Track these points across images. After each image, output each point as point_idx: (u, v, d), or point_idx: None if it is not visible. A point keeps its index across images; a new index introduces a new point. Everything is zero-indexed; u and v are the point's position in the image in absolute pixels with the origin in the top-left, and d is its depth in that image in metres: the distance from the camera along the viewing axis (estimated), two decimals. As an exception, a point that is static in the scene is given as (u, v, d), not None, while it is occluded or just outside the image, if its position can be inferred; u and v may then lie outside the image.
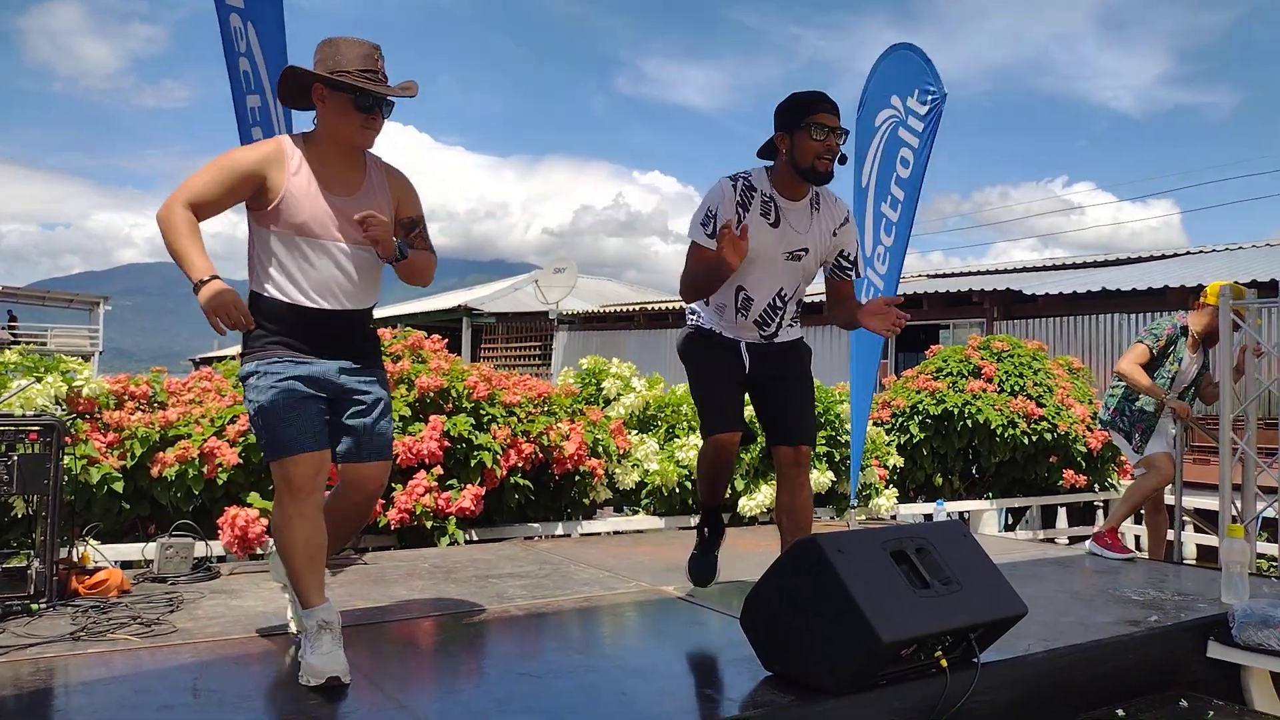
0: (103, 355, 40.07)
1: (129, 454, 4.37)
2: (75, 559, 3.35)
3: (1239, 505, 4.55)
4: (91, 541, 4.13)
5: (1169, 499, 5.43)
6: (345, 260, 2.57)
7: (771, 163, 3.10)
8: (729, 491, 5.69)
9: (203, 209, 2.46)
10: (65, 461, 4.09)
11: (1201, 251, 16.54)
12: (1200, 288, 5.29)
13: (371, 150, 2.66)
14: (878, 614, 2.24)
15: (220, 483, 4.45)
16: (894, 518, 6.23)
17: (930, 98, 5.13)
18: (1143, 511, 5.47)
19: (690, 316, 3.32)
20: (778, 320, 3.20)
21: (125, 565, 4.20)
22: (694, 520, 5.66)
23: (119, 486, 4.31)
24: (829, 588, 2.28)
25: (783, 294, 3.16)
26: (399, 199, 2.70)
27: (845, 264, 3.23)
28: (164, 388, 4.79)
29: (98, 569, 3.30)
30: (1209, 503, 6.89)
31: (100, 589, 3.18)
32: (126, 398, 4.63)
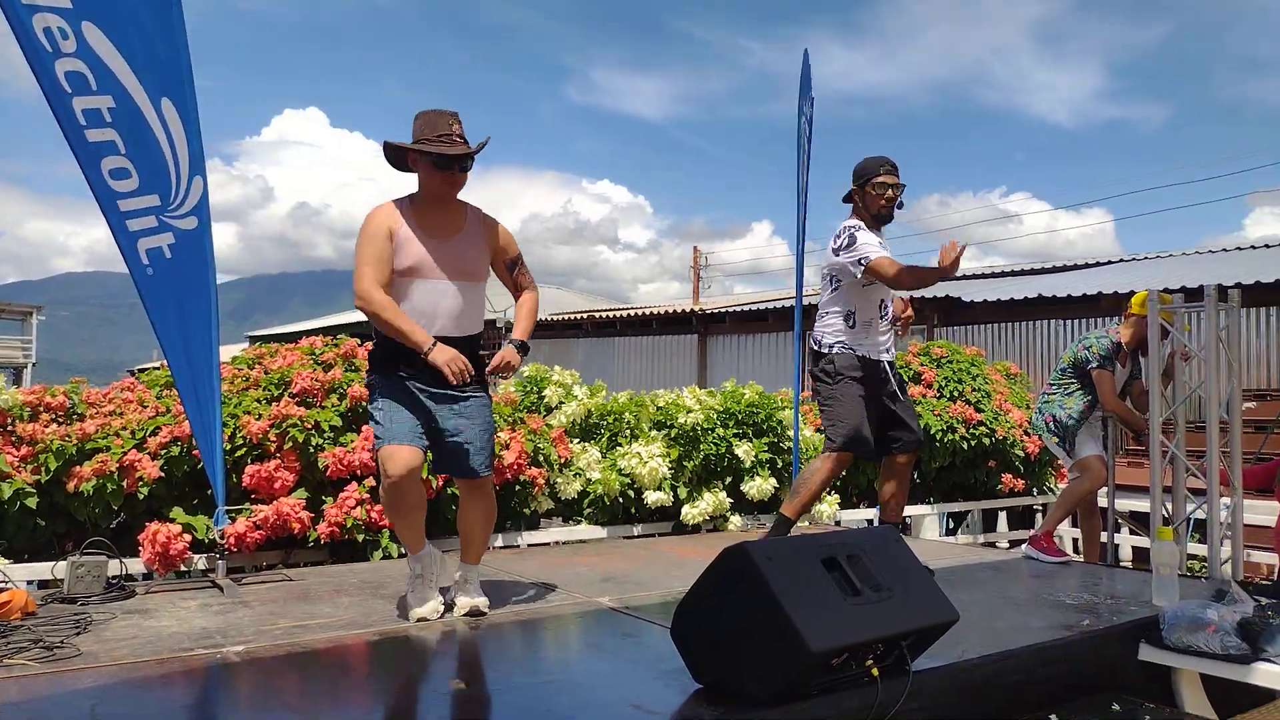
0: (36, 367, 38.77)
1: (44, 468, 4.19)
2: (-23, 580, 3.17)
3: (1169, 507, 4.62)
4: (3, 560, 3.94)
5: (1103, 502, 5.51)
6: (446, 294, 3.15)
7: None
8: (671, 499, 5.65)
9: (387, 284, 3.10)
10: (-28, 476, 3.91)
11: (1135, 259, 16.98)
12: (1133, 294, 5.40)
13: (469, 202, 3.29)
14: (807, 622, 2.20)
15: (141, 497, 4.28)
16: (838, 523, 6.24)
17: (810, 101, 5.97)
18: (1078, 515, 5.55)
19: (832, 338, 4.14)
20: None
21: (43, 585, 4.01)
22: (636, 529, 5.62)
23: (32, 502, 4.13)
24: (758, 596, 2.24)
25: (892, 297, 4.26)
26: (497, 243, 3.32)
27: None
28: (83, 399, 4.60)
29: (1, 589, 3.12)
30: (1143, 505, 7.03)
31: (2, 611, 3.00)
32: (42, 409, 4.43)
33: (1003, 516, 7.47)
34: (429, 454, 3.23)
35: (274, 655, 2.75)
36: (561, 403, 5.87)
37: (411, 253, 3.11)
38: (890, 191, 4.07)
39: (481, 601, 3.31)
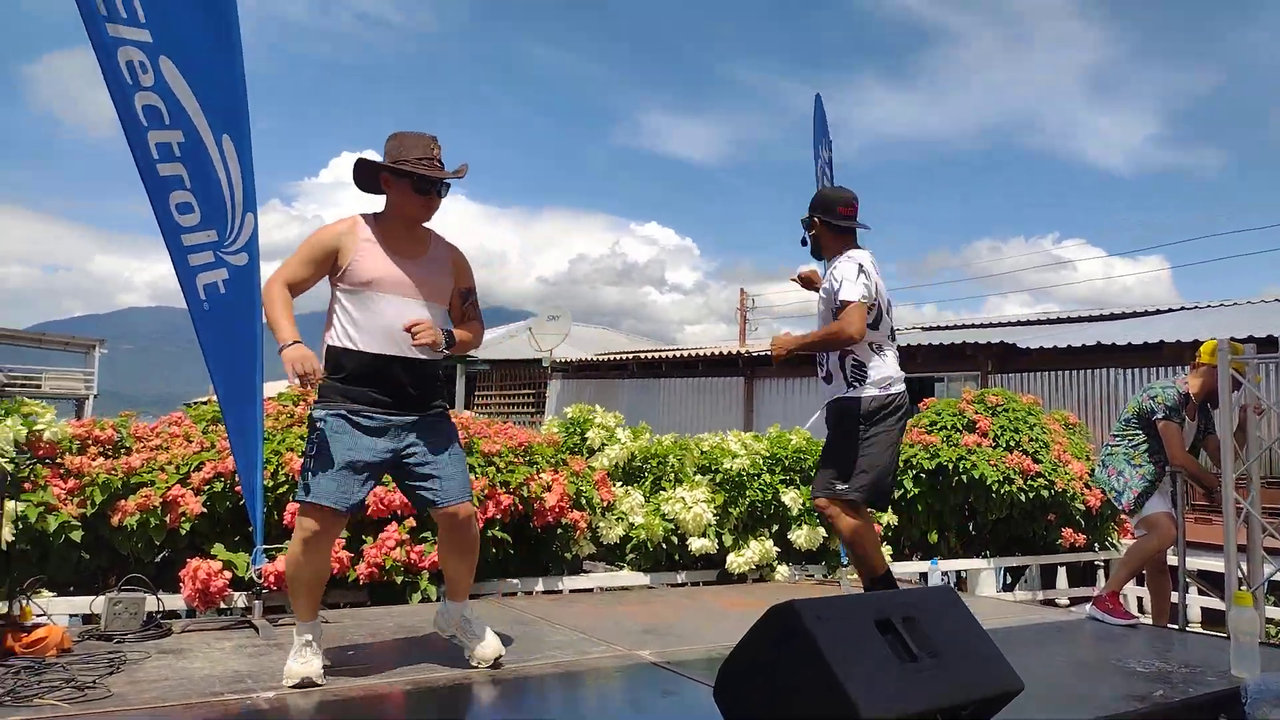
0: (98, 398, 39.80)
1: (89, 501, 4.19)
2: (17, 613, 3.15)
3: (1245, 568, 4.36)
4: (46, 593, 3.94)
5: (1172, 560, 5.23)
6: (410, 313, 2.97)
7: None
8: (716, 546, 5.50)
9: (297, 285, 2.96)
10: (21, 509, 3.93)
11: (1196, 307, 16.49)
12: (1197, 344, 5.16)
13: (429, 225, 3.14)
14: (860, 689, 2.06)
15: (184, 532, 4.27)
16: (888, 576, 6.02)
17: (828, 144, 6.01)
18: (1145, 574, 5.28)
19: (874, 373, 3.92)
20: None
21: (86, 620, 3.99)
22: (680, 577, 5.47)
23: (77, 535, 4.13)
24: (807, 658, 2.10)
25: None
26: (457, 270, 3.18)
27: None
28: (130, 433, 4.62)
29: (36, 625, 3.10)
30: (1214, 564, 6.68)
31: (37, 648, 2.98)
32: (90, 442, 4.46)
33: (1062, 572, 7.18)
34: (361, 505, 3.03)
35: (304, 704, 2.67)
36: (604, 445, 5.79)
37: (375, 266, 2.97)
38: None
39: (492, 647, 3.13)
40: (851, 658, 2.12)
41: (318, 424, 2.92)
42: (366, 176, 3.10)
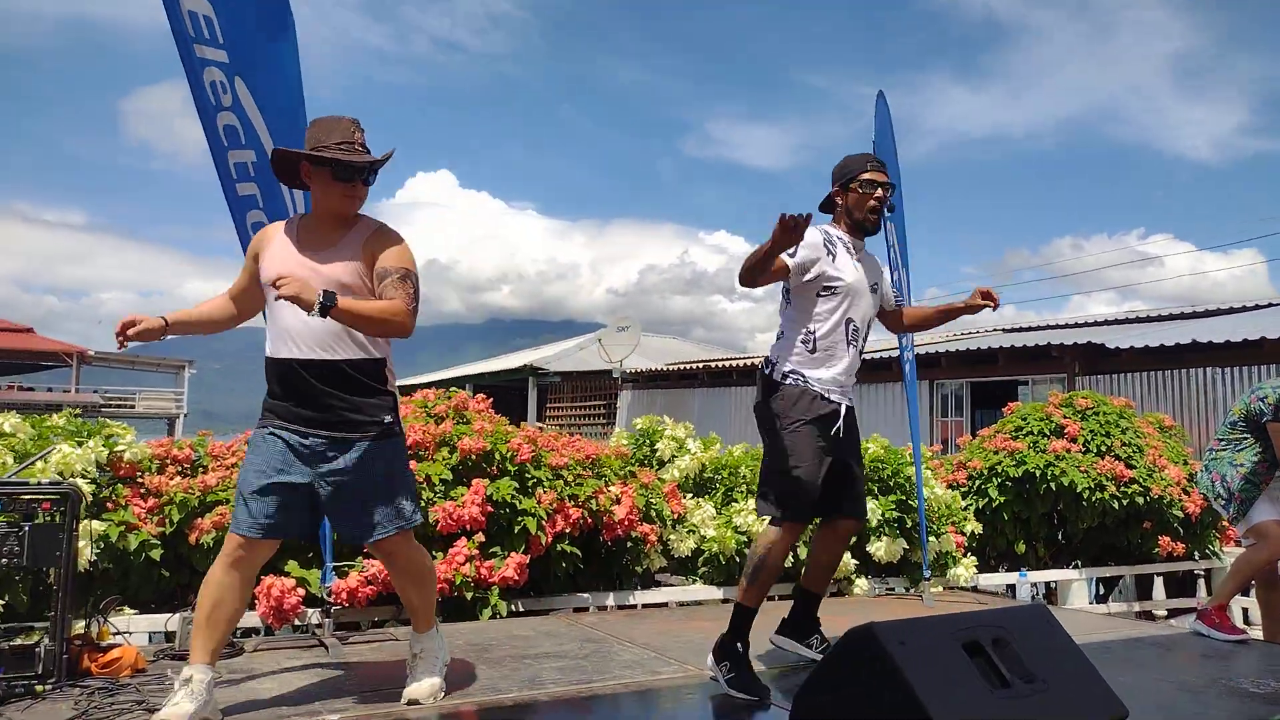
0: (188, 417, 41.41)
1: (168, 520, 4.26)
2: (95, 633, 3.19)
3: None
4: (128, 611, 4.01)
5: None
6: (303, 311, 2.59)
7: (830, 216, 3.49)
8: (790, 558, 5.34)
9: (236, 292, 2.90)
10: (103, 528, 4.01)
11: (1299, 301, 15.62)
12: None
13: (373, 218, 2.85)
14: (947, 718, 1.91)
15: (260, 549, 4.30)
16: (975, 588, 5.78)
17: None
18: (1254, 586, 4.94)
19: (784, 366, 3.27)
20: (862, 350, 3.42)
21: (168, 638, 4.04)
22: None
23: (157, 554, 4.20)
24: (889, 687, 1.97)
25: (870, 322, 3.45)
26: (375, 253, 2.76)
27: (894, 291, 3.67)
28: (208, 451, 4.70)
29: (112, 646, 3.13)
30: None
31: (113, 668, 3.00)
32: (168, 461, 4.54)
33: (1159, 582, 6.80)
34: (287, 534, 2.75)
35: (370, 725, 2.63)
36: (674, 456, 5.68)
37: (273, 265, 2.70)
38: (880, 190, 3.33)
39: (421, 691, 2.84)
40: (937, 684, 1.98)
41: (250, 445, 2.75)
42: (287, 168, 2.83)
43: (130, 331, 2.69)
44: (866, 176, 3.32)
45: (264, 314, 2.88)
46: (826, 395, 3.21)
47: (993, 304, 3.35)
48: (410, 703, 2.81)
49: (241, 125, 3.54)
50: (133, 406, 41.94)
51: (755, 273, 3.01)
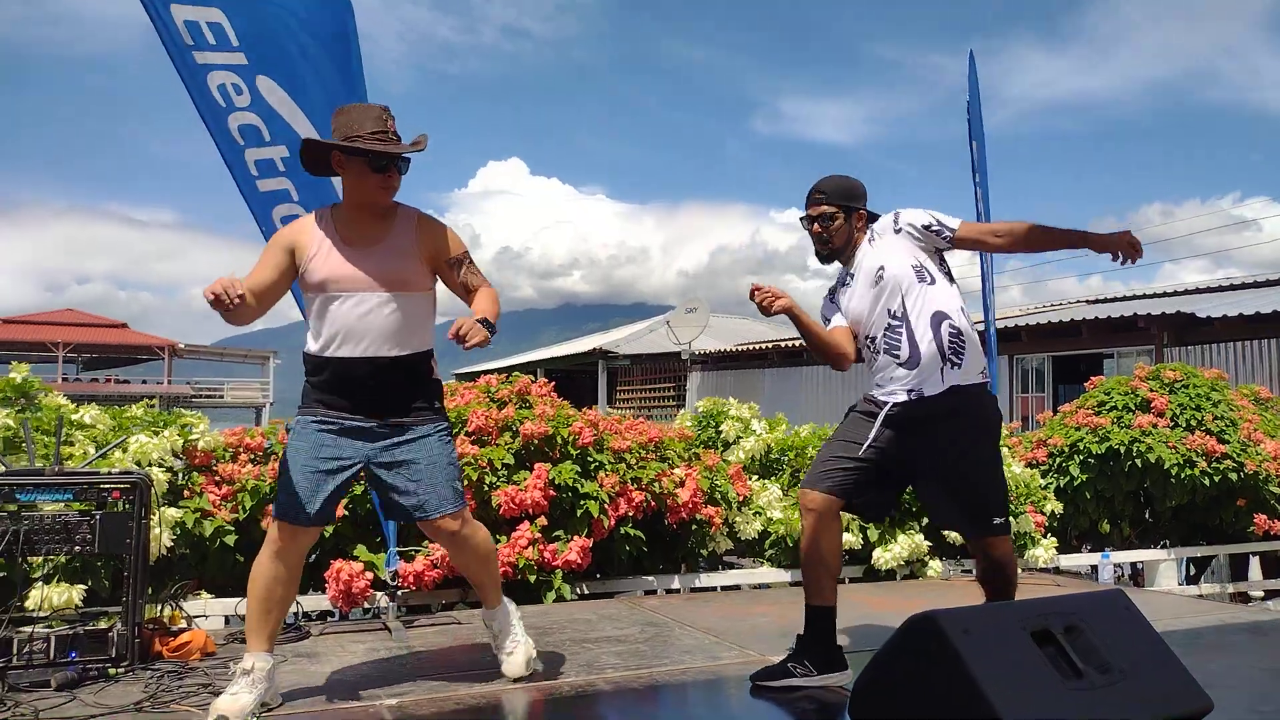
0: (274, 406, 42.88)
1: (240, 506, 4.37)
2: (167, 618, 3.28)
3: None
4: (205, 594, 4.13)
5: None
6: (374, 308, 2.69)
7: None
8: (861, 541, 5.22)
9: (261, 295, 2.67)
10: (180, 515, 4.13)
11: None
12: None
13: (408, 206, 2.82)
14: (1014, 711, 1.81)
15: (327, 535, 4.38)
16: (1057, 570, 5.58)
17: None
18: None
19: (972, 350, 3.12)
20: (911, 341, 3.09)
21: (242, 620, 4.16)
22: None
23: (231, 540, 4.30)
24: (952, 678, 1.87)
25: (891, 311, 3.12)
26: (432, 245, 2.80)
27: (937, 232, 3.05)
28: (279, 439, 4.80)
29: (182, 630, 3.22)
30: None
31: (183, 652, 3.08)
32: (241, 449, 4.65)
33: (1255, 562, 6.48)
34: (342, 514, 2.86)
35: (427, 710, 2.64)
36: (739, 438, 5.60)
37: (322, 265, 2.69)
38: (813, 225, 3.20)
39: (515, 666, 2.91)
40: (1003, 675, 1.88)
41: (289, 430, 2.76)
42: (317, 158, 2.80)
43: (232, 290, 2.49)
44: (800, 217, 3.26)
45: (312, 318, 2.76)
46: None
47: (1132, 256, 2.83)
48: (516, 680, 2.90)
49: (265, 122, 3.53)
50: (222, 397, 43.60)
51: (815, 351, 3.30)
